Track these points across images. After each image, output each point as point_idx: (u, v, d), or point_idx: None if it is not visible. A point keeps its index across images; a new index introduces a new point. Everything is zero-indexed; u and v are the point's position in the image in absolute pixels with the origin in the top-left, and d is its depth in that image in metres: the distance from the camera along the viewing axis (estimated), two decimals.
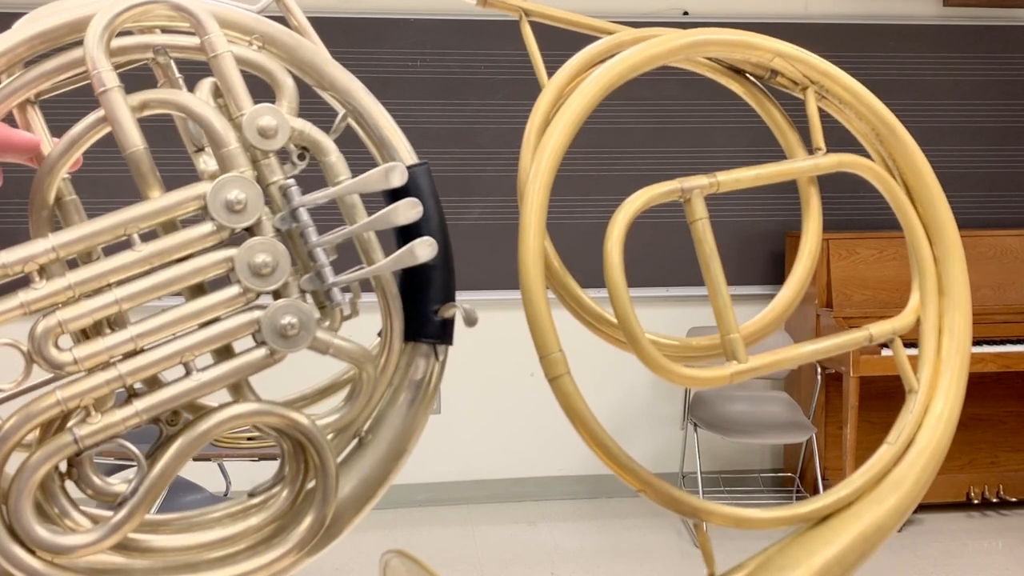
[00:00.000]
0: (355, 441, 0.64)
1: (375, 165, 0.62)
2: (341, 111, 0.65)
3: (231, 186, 0.58)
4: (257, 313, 0.59)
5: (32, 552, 0.56)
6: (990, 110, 4.55)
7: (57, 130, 0.62)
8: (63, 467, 0.58)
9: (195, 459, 0.60)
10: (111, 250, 0.59)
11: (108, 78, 0.58)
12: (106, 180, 2.39)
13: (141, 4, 0.60)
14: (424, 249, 0.60)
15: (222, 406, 0.59)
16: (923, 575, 3.75)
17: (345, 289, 0.61)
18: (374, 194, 0.63)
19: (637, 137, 4.34)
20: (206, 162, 0.64)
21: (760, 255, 4.49)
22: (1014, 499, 4.33)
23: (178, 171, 0.66)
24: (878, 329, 0.77)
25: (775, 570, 0.72)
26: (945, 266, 0.79)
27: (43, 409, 0.56)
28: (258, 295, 0.59)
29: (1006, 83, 4.56)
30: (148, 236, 0.59)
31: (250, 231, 0.59)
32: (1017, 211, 4.60)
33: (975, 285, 4.16)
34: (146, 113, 0.61)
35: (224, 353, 0.60)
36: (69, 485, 0.59)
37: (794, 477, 4.55)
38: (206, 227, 0.59)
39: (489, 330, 3.68)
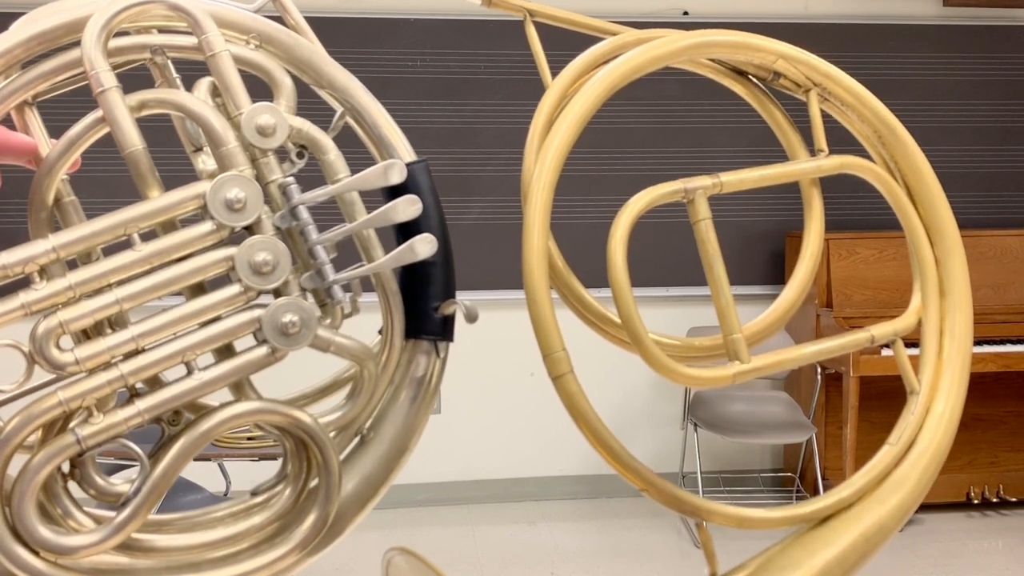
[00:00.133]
0: (357, 439, 0.64)
1: (374, 164, 0.62)
2: (339, 109, 0.65)
3: (230, 185, 0.58)
4: (258, 312, 0.58)
5: (36, 553, 0.56)
6: (990, 110, 4.55)
7: (55, 131, 0.61)
8: (66, 468, 0.58)
9: (195, 459, 0.60)
10: (111, 250, 0.59)
11: (106, 78, 0.58)
12: (105, 180, 2.39)
13: (138, 4, 0.60)
14: (424, 246, 0.60)
15: (224, 405, 0.59)
16: (923, 575, 3.75)
17: (346, 287, 0.61)
18: (373, 192, 0.63)
19: (638, 137, 4.34)
20: (205, 161, 0.64)
21: (760, 255, 4.49)
22: (1014, 499, 4.33)
23: (177, 171, 0.66)
24: (880, 330, 0.77)
25: (776, 570, 0.72)
26: (946, 267, 0.79)
27: (45, 410, 0.56)
28: (259, 294, 0.59)
29: (1006, 83, 4.56)
30: (148, 236, 0.59)
31: (250, 230, 0.59)
32: (1017, 211, 4.60)
33: (975, 285, 4.15)
34: (144, 113, 0.61)
35: (225, 352, 0.60)
36: (72, 486, 0.59)
37: (794, 477, 4.55)
38: (206, 226, 0.59)
39: (489, 330, 3.68)
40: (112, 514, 0.57)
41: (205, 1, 0.62)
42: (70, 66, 0.60)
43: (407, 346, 0.64)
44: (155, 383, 0.59)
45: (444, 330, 0.64)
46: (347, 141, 0.65)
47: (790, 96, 0.84)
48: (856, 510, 0.74)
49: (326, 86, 0.64)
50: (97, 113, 0.59)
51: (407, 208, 0.60)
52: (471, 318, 0.62)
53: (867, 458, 0.76)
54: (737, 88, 0.85)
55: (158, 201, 0.58)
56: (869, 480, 0.75)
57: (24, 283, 0.57)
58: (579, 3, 4.37)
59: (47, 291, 0.56)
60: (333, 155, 0.62)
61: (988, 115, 4.55)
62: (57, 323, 0.56)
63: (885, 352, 3.82)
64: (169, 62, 0.63)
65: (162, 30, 0.63)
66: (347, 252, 0.63)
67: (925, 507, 4.19)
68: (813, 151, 0.81)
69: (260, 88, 0.64)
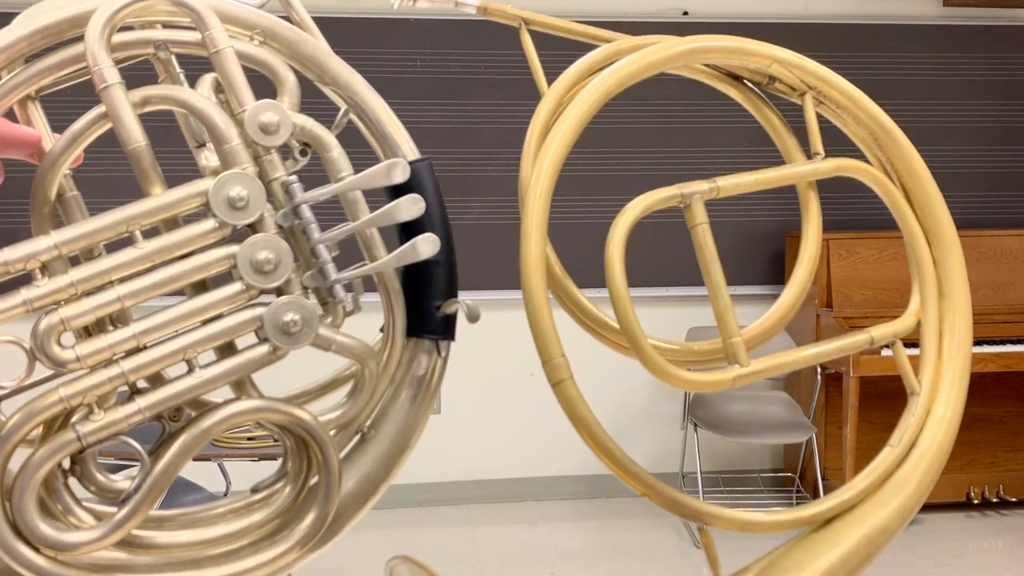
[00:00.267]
0: (357, 437, 0.64)
1: (377, 162, 0.62)
2: (343, 107, 0.65)
3: (233, 183, 0.58)
4: (260, 310, 0.58)
5: (36, 549, 0.56)
6: (990, 110, 4.55)
7: (58, 127, 0.61)
8: (66, 464, 0.58)
9: (195, 459, 0.60)
10: (113, 247, 0.59)
11: (109, 74, 0.58)
12: (105, 180, 2.39)
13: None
14: (426, 245, 0.60)
15: (225, 403, 0.59)
16: (923, 575, 3.75)
17: (348, 286, 0.61)
18: (376, 191, 0.63)
19: (638, 137, 4.34)
20: (208, 158, 0.64)
21: (760, 255, 4.49)
22: (1014, 499, 4.33)
23: (179, 171, 0.66)
24: (879, 332, 0.77)
25: (780, 573, 0.72)
26: (944, 268, 0.79)
27: (46, 406, 0.56)
28: (260, 292, 0.59)
29: (1006, 83, 4.56)
30: (150, 233, 0.59)
31: (252, 228, 0.59)
32: (1017, 211, 4.60)
33: (975, 285, 4.16)
34: (147, 109, 0.61)
35: (227, 350, 0.60)
36: (72, 482, 0.59)
37: (794, 477, 4.55)
38: (208, 224, 0.59)
39: (489, 330, 3.67)
40: (113, 510, 0.57)
41: None
42: (73, 61, 0.60)
43: (408, 345, 0.64)
44: (156, 380, 0.59)
45: (446, 329, 0.64)
46: (351, 141, 0.65)
47: (787, 101, 0.85)
48: (859, 512, 0.74)
49: (330, 83, 0.64)
50: (100, 109, 0.59)
51: (410, 207, 0.60)
52: (473, 317, 0.62)
53: (867, 458, 0.76)
54: (733, 93, 0.85)
55: (161, 198, 0.58)
56: (871, 482, 0.75)
57: (26, 279, 0.57)
58: (579, 4, 4.36)
59: (49, 287, 0.56)
60: (336, 153, 0.62)
61: (988, 115, 4.55)
62: (59, 320, 0.56)
63: (885, 352, 3.82)
64: (173, 58, 0.63)
65: (166, 25, 0.63)
66: (349, 251, 0.63)
67: (925, 507, 4.17)
68: (810, 154, 0.81)
69: (264, 86, 0.64)
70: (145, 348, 0.58)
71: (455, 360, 0.66)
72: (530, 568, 3.82)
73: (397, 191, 0.61)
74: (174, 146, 0.61)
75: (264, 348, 0.59)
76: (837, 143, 0.91)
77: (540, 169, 0.70)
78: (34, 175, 0.59)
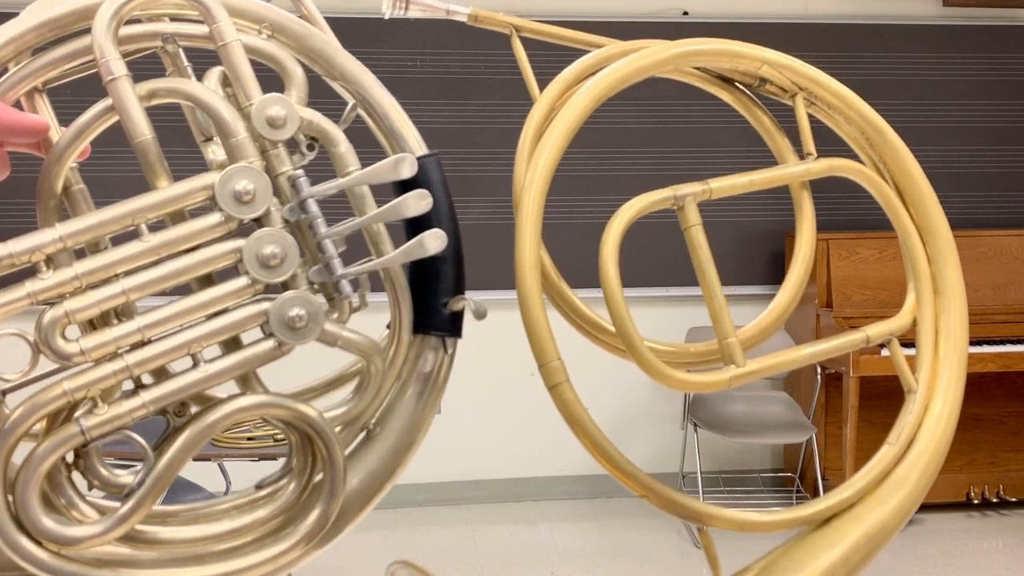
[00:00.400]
0: (363, 434, 0.63)
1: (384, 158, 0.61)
2: (351, 101, 0.64)
3: (239, 176, 0.58)
4: (265, 304, 0.58)
5: (39, 543, 0.55)
6: (990, 110, 4.55)
7: (65, 122, 0.61)
8: (70, 458, 0.58)
9: (195, 459, 0.60)
10: (119, 240, 0.58)
11: (116, 66, 0.58)
12: (104, 180, 2.38)
13: None
14: (434, 241, 0.60)
15: (230, 398, 0.59)
16: (923, 575, 3.75)
17: (354, 282, 0.60)
18: (384, 187, 0.62)
19: (637, 137, 4.34)
20: (214, 152, 0.64)
21: (760, 255, 4.49)
22: (1014, 499, 4.33)
23: (185, 172, 0.66)
24: (875, 330, 0.77)
25: (779, 572, 0.71)
26: (939, 266, 0.79)
27: (50, 400, 0.55)
28: (266, 287, 0.59)
29: (1006, 83, 4.56)
30: (156, 227, 0.59)
31: (258, 222, 0.59)
32: (1017, 211, 4.60)
33: (975, 285, 4.16)
34: (154, 102, 0.60)
35: (232, 344, 0.59)
36: (75, 477, 0.59)
37: (794, 477, 4.55)
38: (214, 218, 0.58)
39: (489, 330, 3.67)
40: (116, 505, 0.57)
41: None
42: (81, 53, 0.60)
43: (415, 341, 0.64)
44: (161, 375, 0.58)
45: (453, 326, 0.64)
46: (359, 140, 0.64)
47: (777, 101, 0.85)
48: (858, 510, 0.74)
49: (338, 77, 0.64)
50: (107, 101, 0.58)
51: (417, 203, 0.60)
52: (479, 315, 0.62)
53: (867, 458, 0.76)
54: (724, 95, 0.86)
55: (166, 191, 0.58)
56: (870, 480, 0.75)
57: (31, 272, 0.56)
58: (579, 4, 4.36)
59: (53, 280, 0.56)
60: (344, 148, 0.61)
61: (988, 115, 4.55)
62: (63, 313, 0.56)
63: (885, 352, 3.82)
64: (180, 51, 0.63)
65: (174, 18, 0.62)
66: (357, 248, 0.63)
67: (925, 507, 4.19)
68: (802, 155, 0.81)
69: (273, 83, 0.63)
70: (150, 342, 0.57)
71: (455, 360, 0.66)
72: (530, 568, 3.82)
73: (404, 187, 0.61)
74: (176, 146, 0.60)
75: (269, 343, 0.58)
76: (830, 144, 0.91)
77: (533, 173, 0.70)
78: (40, 168, 0.59)
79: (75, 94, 0.77)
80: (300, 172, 0.60)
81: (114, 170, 2.06)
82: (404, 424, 0.63)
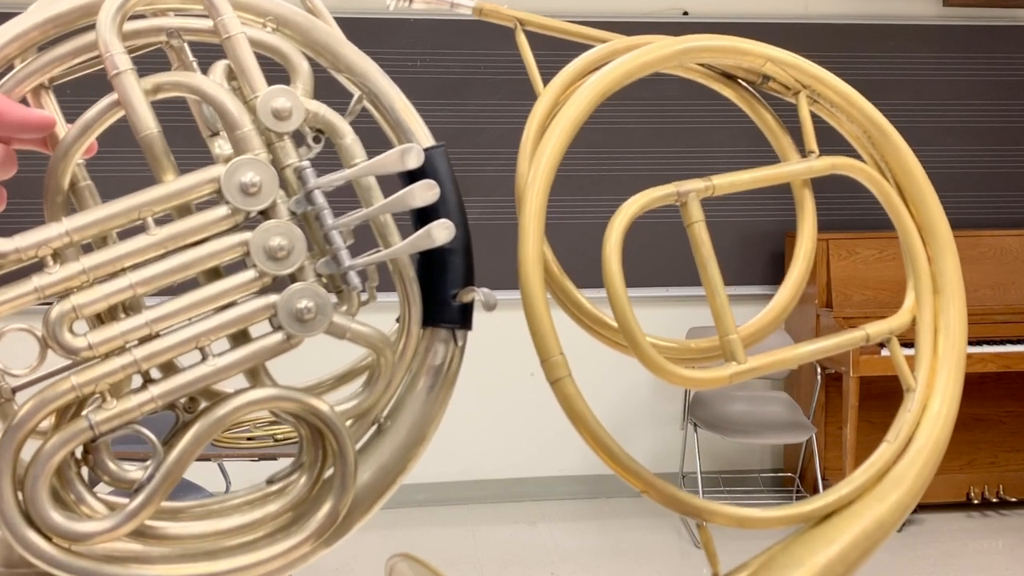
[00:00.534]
0: (374, 428, 0.63)
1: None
2: (356, 93, 0.64)
3: (245, 168, 0.57)
4: (273, 297, 0.58)
5: (48, 539, 0.55)
6: (990, 110, 4.56)
7: (71, 119, 0.61)
8: (79, 453, 0.57)
9: (195, 459, 0.59)
10: (126, 235, 0.58)
11: (121, 61, 0.57)
12: (104, 180, 2.38)
13: None
14: (441, 231, 0.59)
15: (240, 391, 0.58)
16: (923, 575, 3.75)
17: (362, 274, 0.60)
18: (391, 180, 0.62)
19: (637, 137, 4.34)
20: (221, 146, 0.63)
21: (760, 255, 4.49)
22: (1014, 499, 4.34)
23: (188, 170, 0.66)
24: (875, 329, 0.77)
25: (778, 568, 0.71)
26: (939, 265, 0.79)
27: (58, 395, 0.55)
28: (274, 279, 0.58)
29: (1006, 83, 4.56)
30: (163, 220, 0.58)
31: (265, 214, 0.58)
32: (1017, 211, 4.60)
33: (975, 285, 4.16)
34: (160, 96, 0.60)
35: (240, 338, 0.59)
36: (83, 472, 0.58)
37: (794, 477, 4.55)
38: (221, 210, 0.58)
39: (489, 330, 3.67)
40: (126, 501, 0.57)
41: None
42: (85, 49, 0.59)
43: (425, 334, 0.63)
44: (169, 369, 0.58)
45: (462, 318, 0.63)
46: (366, 138, 0.64)
47: (780, 99, 0.85)
48: (856, 507, 0.74)
49: (343, 70, 0.63)
50: (112, 96, 0.58)
51: (424, 193, 0.60)
52: (489, 306, 0.61)
53: (867, 458, 0.76)
54: (727, 92, 0.85)
55: (173, 184, 0.58)
56: (868, 477, 0.75)
57: (38, 267, 0.56)
58: (579, 4, 4.37)
59: (61, 275, 0.55)
60: (350, 139, 0.61)
61: (988, 115, 4.56)
62: (71, 307, 0.55)
63: (885, 352, 3.83)
64: (185, 45, 0.62)
65: (178, 13, 0.62)
66: (364, 242, 0.62)
67: (925, 507, 4.20)
68: (804, 153, 0.81)
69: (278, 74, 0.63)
70: (158, 336, 0.57)
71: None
72: (530, 568, 3.82)
73: (411, 178, 0.61)
74: (178, 146, 0.60)
75: (278, 336, 0.58)
76: (832, 142, 0.91)
77: (537, 168, 0.70)
78: (46, 166, 0.58)
79: (75, 94, 0.76)
80: (306, 164, 0.59)
81: (118, 169, 2.06)
82: (415, 418, 0.63)
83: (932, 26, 4.50)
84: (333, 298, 0.58)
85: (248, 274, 0.58)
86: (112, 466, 0.58)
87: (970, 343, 0.82)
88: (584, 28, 0.83)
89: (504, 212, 4.15)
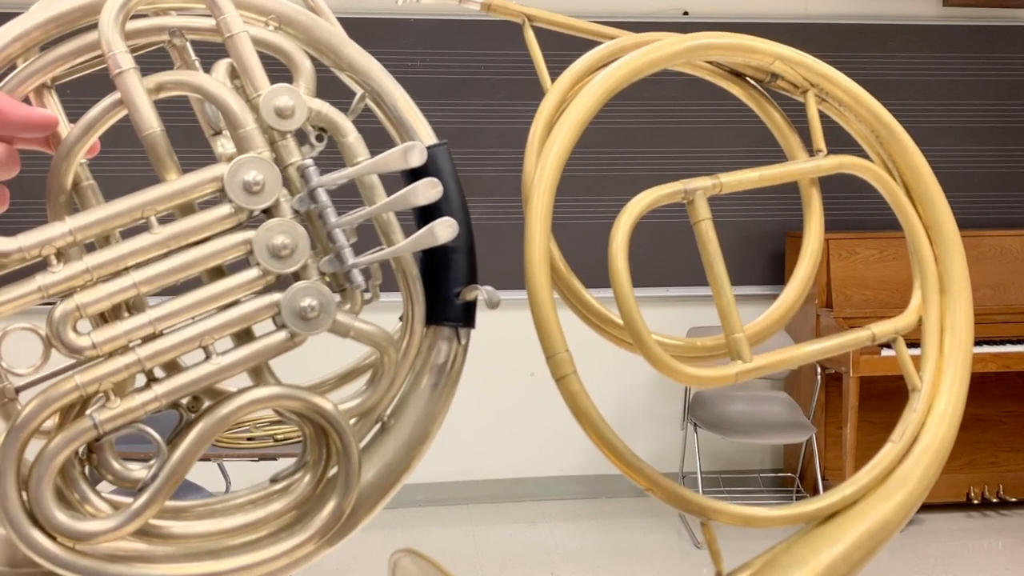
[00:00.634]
0: (377, 426, 0.63)
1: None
2: (359, 92, 0.64)
3: (248, 167, 0.57)
4: (277, 295, 0.58)
5: (52, 538, 0.55)
6: (990, 110, 4.56)
7: (74, 119, 0.61)
8: (83, 452, 0.57)
9: None
10: (129, 234, 0.58)
11: (123, 60, 0.57)
12: (106, 180, 2.38)
13: None
14: (444, 229, 0.59)
15: (243, 390, 0.58)
16: (923, 575, 3.75)
17: (366, 272, 0.60)
18: (394, 179, 0.62)
19: (638, 137, 4.34)
20: (224, 145, 0.63)
21: (760, 255, 4.49)
22: (1014, 499, 4.34)
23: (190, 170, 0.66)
24: (881, 328, 0.77)
25: (782, 568, 0.71)
26: (946, 265, 0.79)
27: (62, 394, 0.55)
28: (277, 277, 0.58)
29: (1006, 83, 4.56)
30: (165, 219, 0.58)
31: (268, 213, 0.58)
32: (1017, 211, 4.60)
33: (975, 285, 4.14)
34: (162, 95, 0.60)
35: (244, 337, 0.59)
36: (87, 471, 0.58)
37: (794, 477, 4.55)
38: (224, 209, 0.58)
39: (490, 330, 3.67)
40: (129, 500, 0.57)
41: None
42: (88, 48, 0.59)
43: (428, 332, 0.63)
44: (173, 368, 0.58)
45: (466, 317, 0.63)
46: (369, 138, 0.64)
47: (789, 98, 0.85)
48: (860, 507, 0.74)
49: (346, 68, 0.63)
50: (115, 95, 0.58)
51: (427, 191, 0.60)
52: (492, 304, 0.61)
53: (867, 458, 0.76)
54: (735, 90, 0.85)
55: (176, 183, 0.58)
56: (873, 477, 0.74)
57: (42, 266, 0.56)
58: (579, 4, 4.37)
59: (64, 274, 0.55)
60: (352, 138, 0.61)
61: (988, 115, 4.56)
62: (74, 306, 0.55)
63: (885, 352, 3.83)
64: (188, 45, 0.62)
65: (180, 11, 0.62)
66: (368, 241, 0.62)
67: (925, 507, 4.19)
68: (812, 151, 0.81)
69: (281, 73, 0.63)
70: (162, 335, 0.57)
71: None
72: (530, 568, 3.82)
73: (414, 176, 0.61)
74: (180, 146, 0.60)
75: (282, 334, 0.58)
76: (840, 142, 0.91)
77: (544, 165, 0.70)
78: (50, 164, 0.58)
79: (75, 93, 0.76)
80: (309, 162, 0.59)
81: (119, 169, 2.06)
82: (419, 416, 0.63)
83: (932, 26, 4.51)
84: (336, 296, 0.59)
85: (251, 273, 0.58)
86: (116, 465, 0.58)
87: None
88: (592, 24, 0.83)
89: (504, 212, 4.15)
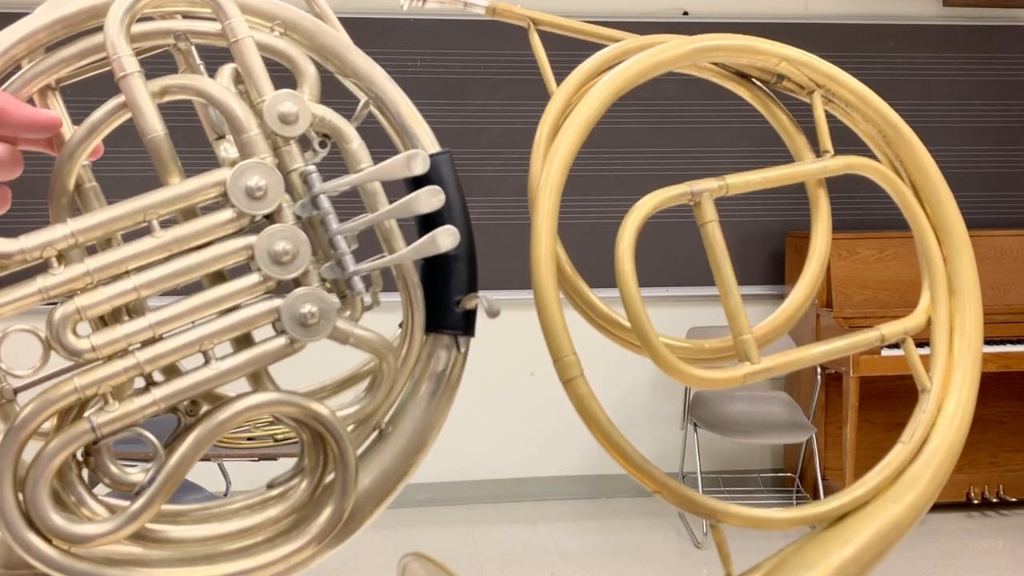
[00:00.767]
0: (375, 433, 0.63)
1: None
2: (363, 98, 0.64)
3: (251, 172, 0.57)
4: (277, 301, 0.58)
5: (48, 541, 0.55)
6: (990, 110, 4.56)
7: (78, 122, 0.61)
8: (80, 455, 0.57)
9: None
10: (131, 237, 0.58)
11: (128, 63, 0.57)
12: (107, 180, 2.38)
13: None
14: (446, 238, 0.59)
15: (241, 395, 0.58)
16: (923, 575, 3.75)
17: (366, 279, 0.60)
18: (396, 186, 0.62)
19: (639, 138, 4.34)
20: (227, 150, 0.63)
21: (760, 255, 4.49)
22: (1014, 499, 4.34)
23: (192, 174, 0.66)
24: (890, 329, 0.77)
25: (792, 570, 0.71)
26: (954, 265, 0.79)
27: (60, 396, 0.55)
28: (278, 283, 0.58)
29: (1006, 83, 4.56)
30: (167, 223, 0.58)
31: (270, 218, 0.58)
32: (1017, 211, 4.60)
33: None
34: (167, 99, 0.60)
35: (243, 342, 0.59)
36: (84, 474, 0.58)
37: (794, 477, 4.56)
38: (226, 214, 0.58)
39: (490, 330, 3.67)
40: (126, 503, 0.57)
41: None
42: (93, 51, 0.59)
43: (427, 340, 0.63)
44: (172, 372, 0.58)
45: (465, 325, 0.63)
46: (372, 144, 0.64)
47: (794, 98, 0.85)
48: (871, 508, 0.74)
49: (350, 74, 0.63)
50: (119, 98, 0.58)
51: (429, 199, 0.60)
52: (492, 314, 0.61)
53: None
54: (740, 91, 0.85)
55: (179, 187, 0.58)
56: (883, 478, 0.74)
57: (42, 268, 0.56)
58: (580, 4, 4.37)
59: (65, 276, 0.55)
60: (356, 144, 0.61)
61: (988, 115, 4.56)
62: (74, 309, 0.55)
63: (885, 352, 3.83)
64: (193, 48, 0.62)
65: (186, 16, 0.62)
66: (369, 247, 0.62)
67: None
68: (818, 152, 0.81)
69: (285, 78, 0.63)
70: (161, 339, 0.57)
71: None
72: (530, 568, 3.82)
73: (417, 184, 0.61)
74: (181, 147, 0.60)
75: (281, 340, 0.58)
76: (844, 142, 0.91)
77: (550, 167, 0.70)
78: (53, 165, 0.58)
79: (75, 94, 0.76)
80: (312, 168, 0.59)
81: (120, 170, 2.06)
82: (417, 423, 0.63)
83: (932, 26, 4.50)
84: (337, 303, 0.59)
85: (252, 278, 0.58)
86: (113, 468, 0.58)
87: None
88: (597, 27, 0.83)
89: (504, 212, 4.15)
